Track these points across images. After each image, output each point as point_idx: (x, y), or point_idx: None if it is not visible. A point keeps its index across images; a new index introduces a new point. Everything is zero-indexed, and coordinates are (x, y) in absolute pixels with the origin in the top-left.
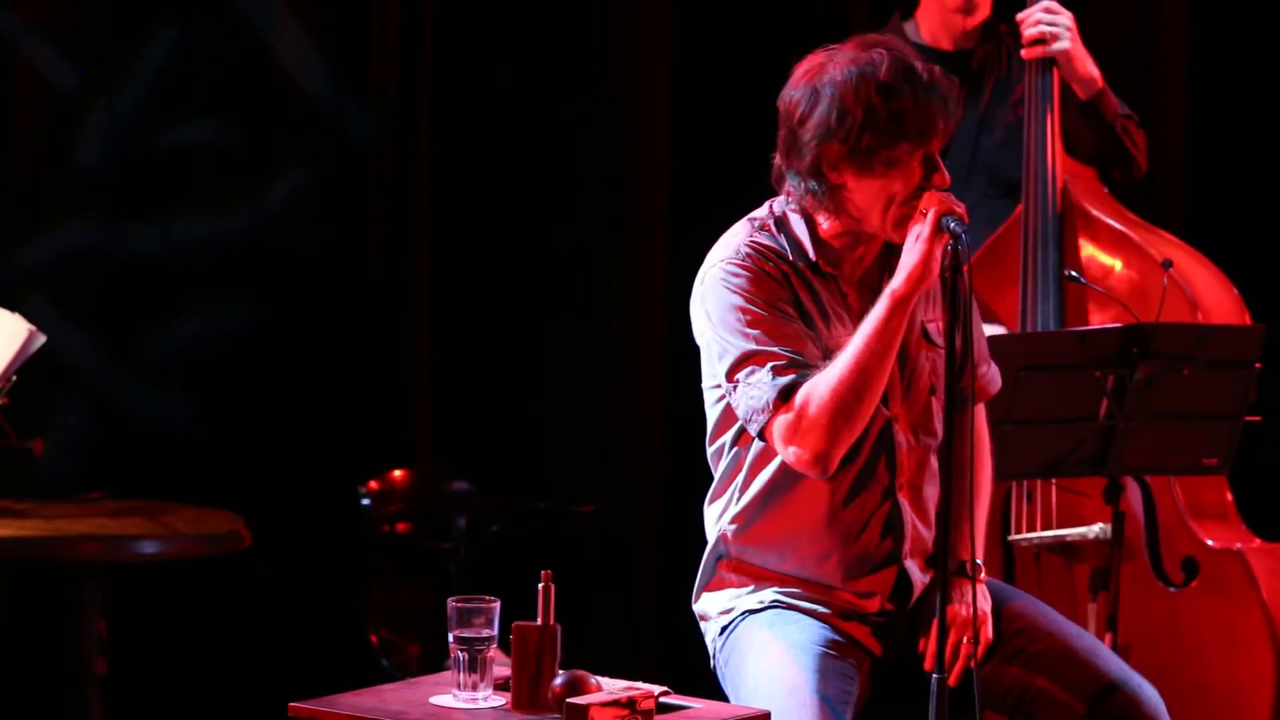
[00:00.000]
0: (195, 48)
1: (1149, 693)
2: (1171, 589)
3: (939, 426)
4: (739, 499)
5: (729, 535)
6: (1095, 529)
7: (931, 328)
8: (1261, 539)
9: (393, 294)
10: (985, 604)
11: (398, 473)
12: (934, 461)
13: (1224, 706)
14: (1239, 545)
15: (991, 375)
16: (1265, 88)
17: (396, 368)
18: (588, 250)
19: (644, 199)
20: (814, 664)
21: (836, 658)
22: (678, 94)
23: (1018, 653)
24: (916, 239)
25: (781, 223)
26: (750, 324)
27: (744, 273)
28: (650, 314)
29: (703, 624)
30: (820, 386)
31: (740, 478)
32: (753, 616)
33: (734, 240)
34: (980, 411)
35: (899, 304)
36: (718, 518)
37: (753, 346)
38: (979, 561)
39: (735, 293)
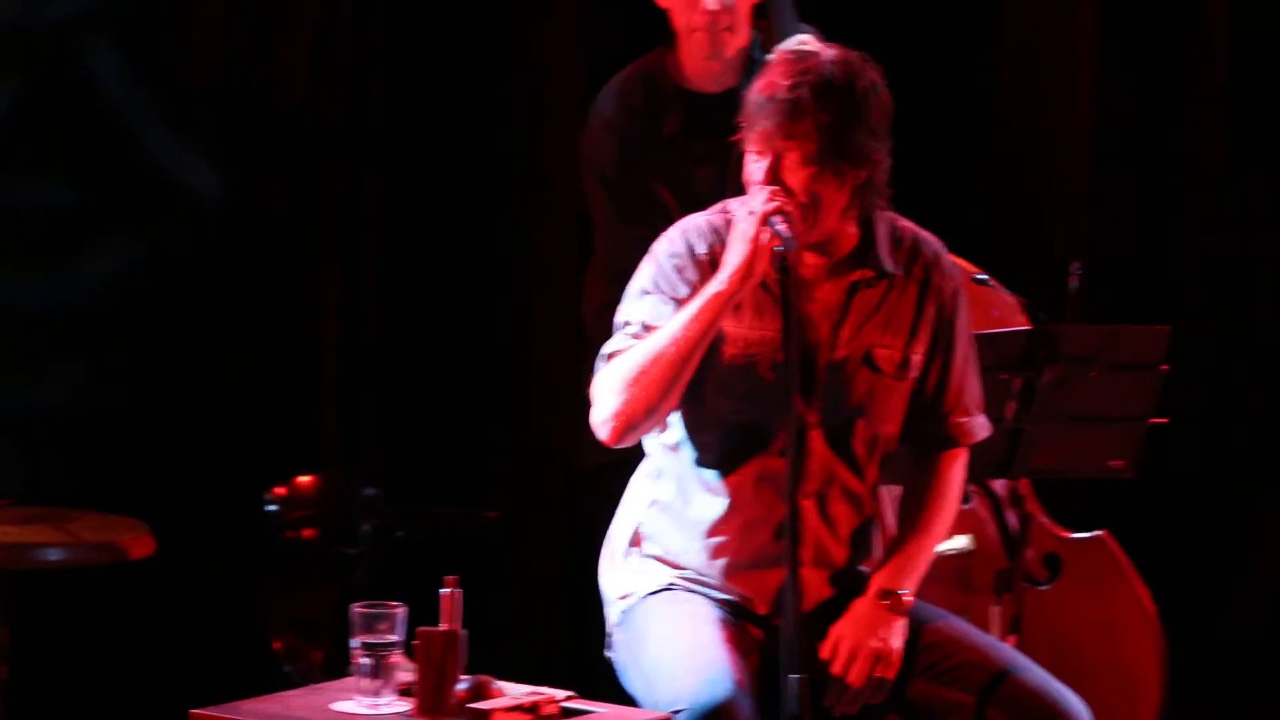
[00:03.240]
0: (39, 107)
1: (1072, 701)
2: (1040, 587)
3: (872, 460)
4: (660, 474)
5: (644, 515)
6: (960, 541)
7: (881, 354)
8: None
9: (301, 299)
10: (898, 640)
11: (304, 478)
12: (855, 484)
13: (1114, 695)
14: (1100, 532)
15: (973, 426)
16: (1166, 107)
17: (304, 374)
18: (494, 255)
19: (556, 208)
20: (715, 632)
21: (735, 632)
22: (593, 95)
23: (929, 666)
24: (741, 237)
25: None
26: (640, 294)
27: (669, 246)
28: (558, 319)
29: (604, 599)
30: (623, 358)
31: (666, 452)
32: (652, 597)
33: (697, 215)
34: (958, 456)
35: (714, 301)
36: (640, 488)
37: (627, 316)
38: (903, 592)
39: (653, 263)
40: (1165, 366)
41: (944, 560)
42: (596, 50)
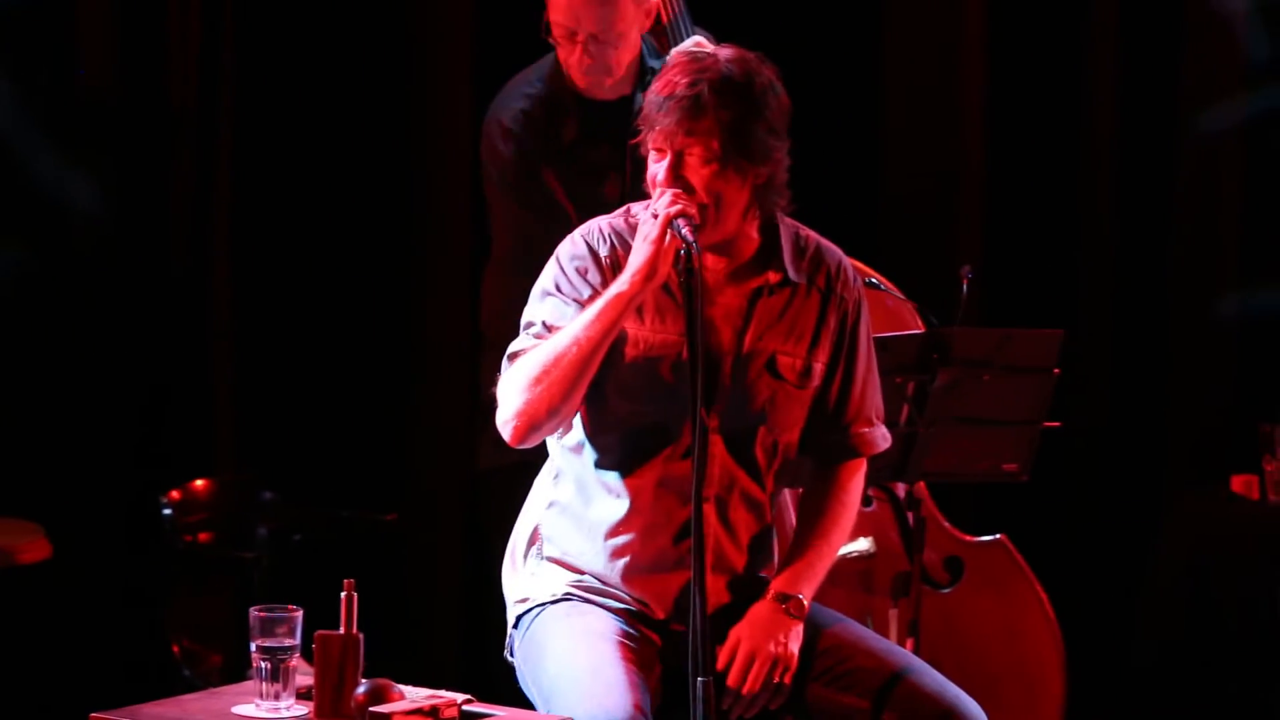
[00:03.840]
0: None
1: (968, 704)
2: (941, 590)
3: (772, 467)
4: (561, 476)
5: (543, 516)
6: (862, 544)
7: (783, 361)
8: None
9: (194, 303)
10: (795, 645)
11: (200, 482)
12: (755, 490)
13: (1017, 697)
14: (999, 535)
15: (874, 436)
16: (1057, 112)
17: (198, 376)
18: (391, 255)
19: (446, 207)
20: (613, 649)
21: (633, 647)
22: (482, 98)
23: (825, 671)
24: (644, 239)
25: None
26: (543, 296)
27: (571, 248)
28: (456, 320)
29: (505, 601)
30: (526, 359)
31: (567, 453)
32: (550, 608)
33: (600, 217)
34: (858, 466)
35: (616, 302)
36: (541, 490)
37: (531, 318)
38: (800, 596)
39: (555, 265)
40: (1058, 370)
41: (845, 562)
42: (488, 52)
